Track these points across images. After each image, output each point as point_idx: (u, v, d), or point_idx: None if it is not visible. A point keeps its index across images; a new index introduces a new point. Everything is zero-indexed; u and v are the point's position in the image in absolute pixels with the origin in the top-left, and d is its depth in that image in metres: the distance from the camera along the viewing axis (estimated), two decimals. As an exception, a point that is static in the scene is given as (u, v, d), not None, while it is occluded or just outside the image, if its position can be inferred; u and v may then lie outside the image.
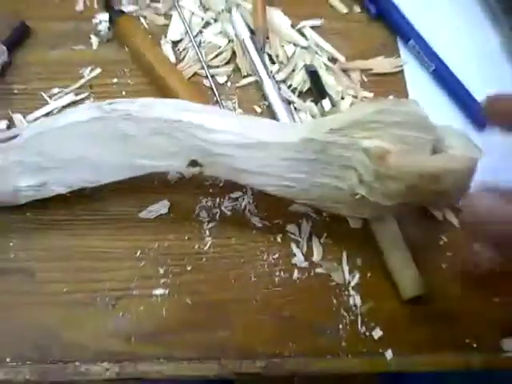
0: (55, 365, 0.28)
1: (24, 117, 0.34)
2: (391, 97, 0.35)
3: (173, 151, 0.27)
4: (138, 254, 0.31)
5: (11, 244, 0.30)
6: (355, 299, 0.30)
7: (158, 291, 0.30)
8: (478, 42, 0.37)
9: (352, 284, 0.30)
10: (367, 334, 0.29)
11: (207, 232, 0.31)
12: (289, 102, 0.34)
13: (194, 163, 0.28)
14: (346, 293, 0.30)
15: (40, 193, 0.29)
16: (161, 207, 0.31)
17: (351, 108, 0.29)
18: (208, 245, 0.31)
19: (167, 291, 0.30)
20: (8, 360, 0.28)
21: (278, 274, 0.30)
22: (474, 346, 0.29)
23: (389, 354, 0.29)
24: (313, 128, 0.27)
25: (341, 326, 0.29)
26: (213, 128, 0.27)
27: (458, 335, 0.29)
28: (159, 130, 0.27)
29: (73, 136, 0.28)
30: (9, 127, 0.34)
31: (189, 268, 0.30)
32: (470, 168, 0.25)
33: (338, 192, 0.27)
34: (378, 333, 0.29)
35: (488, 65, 0.36)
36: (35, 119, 0.34)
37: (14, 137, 0.29)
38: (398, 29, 0.37)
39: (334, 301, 0.30)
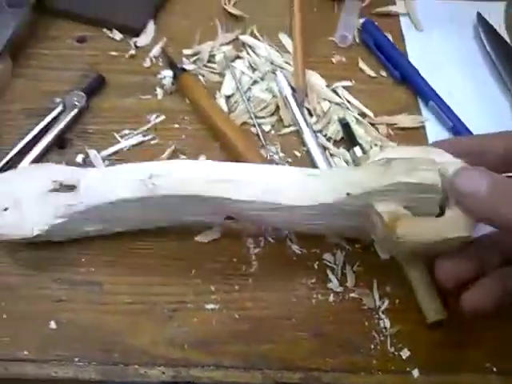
0: (117, 366, 0.32)
1: (98, 152, 0.40)
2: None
3: (211, 211, 0.33)
4: (193, 272, 0.35)
5: (83, 260, 0.35)
6: (385, 322, 0.33)
7: (210, 306, 0.34)
8: (489, 101, 0.43)
9: (382, 308, 0.34)
10: (396, 353, 0.32)
11: (253, 256, 0.36)
12: (324, 149, 0.40)
13: (229, 218, 0.33)
14: (377, 316, 0.34)
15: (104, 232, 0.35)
16: (214, 233, 0.36)
17: (374, 164, 0.30)
18: (254, 268, 0.35)
19: (217, 306, 0.34)
20: (76, 360, 0.32)
21: (315, 296, 0.34)
22: (494, 369, 0.32)
23: (415, 372, 0.32)
24: (332, 188, 0.30)
25: (372, 346, 0.33)
26: (239, 199, 0.30)
27: (478, 359, 0.32)
28: (196, 200, 0.31)
29: (124, 208, 0.32)
30: (84, 161, 0.39)
31: (236, 287, 0.34)
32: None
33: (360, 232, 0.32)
34: (405, 353, 0.32)
35: (499, 124, 0.42)
36: (108, 155, 0.39)
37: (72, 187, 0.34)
38: (420, 91, 0.43)
39: (366, 323, 0.33)
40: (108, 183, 0.33)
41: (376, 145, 0.40)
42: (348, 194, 0.29)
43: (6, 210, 0.33)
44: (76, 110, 0.41)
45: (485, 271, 0.29)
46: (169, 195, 0.31)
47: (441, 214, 0.29)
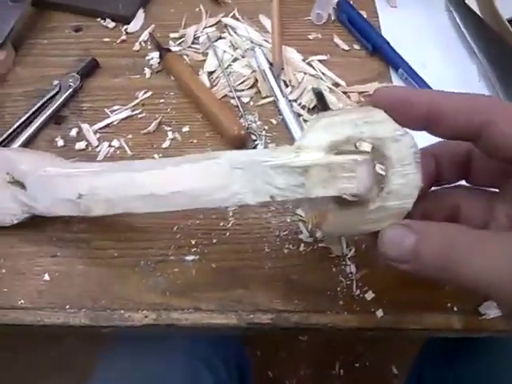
0: (104, 312, 0.35)
1: (90, 126, 0.43)
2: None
3: None
4: (175, 229, 0.38)
5: (75, 220, 0.38)
6: (351, 268, 0.36)
7: (190, 257, 0.36)
8: (458, 69, 0.45)
9: (349, 255, 0.36)
10: (361, 295, 0.35)
11: (230, 213, 0.38)
12: (299, 116, 0.42)
13: None
14: (344, 263, 0.36)
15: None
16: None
17: (293, 170, 0.26)
18: (231, 223, 0.38)
19: (197, 257, 0.36)
20: (67, 307, 0.35)
21: (287, 246, 0.37)
22: (455, 309, 0.34)
23: (379, 312, 0.34)
24: (255, 189, 0.27)
25: (338, 289, 0.35)
26: (166, 210, 0.30)
27: (440, 299, 0.34)
28: None
29: None
30: (78, 134, 0.43)
31: (214, 240, 0.37)
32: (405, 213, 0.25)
33: None
34: (370, 295, 0.35)
35: (467, 88, 0.43)
36: (99, 128, 0.43)
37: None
38: (390, 60, 0.45)
39: (334, 269, 0.36)
40: (48, 197, 0.34)
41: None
42: (271, 197, 0.27)
43: None
44: (70, 90, 0.45)
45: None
46: (104, 215, 0.32)
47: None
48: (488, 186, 0.27)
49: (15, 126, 0.43)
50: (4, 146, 0.42)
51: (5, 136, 0.42)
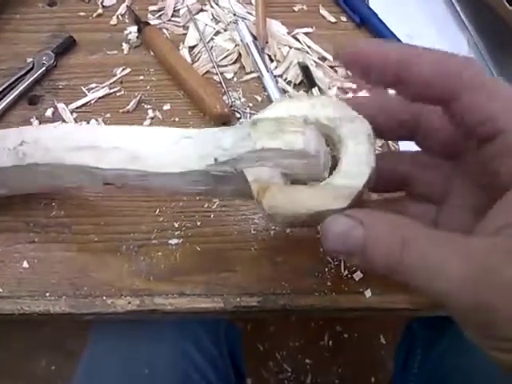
0: (86, 299, 0.34)
1: (67, 106, 0.41)
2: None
3: (88, 178, 0.30)
4: (158, 211, 0.36)
5: (53, 204, 0.37)
6: (339, 248, 0.35)
7: (173, 241, 0.35)
8: (448, 41, 0.44)
9: (337, 236, 0.35)
10: (349, 276, 0.34)
11: (215, 195, 0.37)
12: (284, 92, 0.41)
13: (108, 183, 0.30)
14: (332, 243, 0.35)
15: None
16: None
17: (244, 125, 0.26)
18: (215, 205, 0.37)
19: (180, 241, 0.35)
20: (47, 295, 0.34)
21: (273, 228, 0.36)
22: (443, 288, 0.34)
23: (368, 292, 0.33)
24: (202, 153, 0.27)
25: (326, 270, 0.34)
26: (102, 167, 0.28)
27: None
28: (66, 169, 0.30)
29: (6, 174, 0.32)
30: (53, 114, 0.41)
31: (199, 223, 0.36)
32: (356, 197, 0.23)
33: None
34: (358, 275, 0.34)
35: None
36: (76, 107, 0.41)
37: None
38: (377, 32, 0.43)
39: (321, 250, 0.35)
40: None
41: (334, 86, 0.41)
42: (215, 159, 0.26)
43: None
44: (43, 69, 0.43)
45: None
46: (37, 163, 0.30)
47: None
48: (441, 156, 0.26)
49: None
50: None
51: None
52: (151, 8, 0.47)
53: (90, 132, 0.29)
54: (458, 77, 0.21)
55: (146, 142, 0.28)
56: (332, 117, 0.25)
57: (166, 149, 0.28)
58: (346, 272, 0.34)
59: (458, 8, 0.45)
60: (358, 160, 0.24)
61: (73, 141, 0.29)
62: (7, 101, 0.41)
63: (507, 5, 0.40)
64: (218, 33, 0.45)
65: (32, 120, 0.41)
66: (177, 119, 0.40)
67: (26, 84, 0.42)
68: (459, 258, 0.19)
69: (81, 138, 0.29)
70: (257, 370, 0.99)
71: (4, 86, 0.42)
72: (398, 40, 0.42)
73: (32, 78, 0.42)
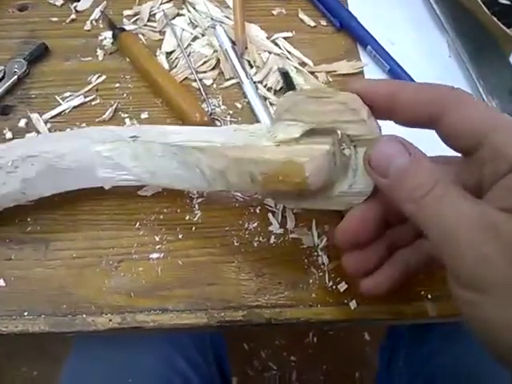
0: (65, 317, 0.33)
1: (40, 116, 0.40)
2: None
3: None
4: (137, 225, 0.36)
5: (28, 219, 0.36)
6: (323, 259, 0.34)
7: (154, 255, 0.35)
8: (428, 45, 0.44)
9: (320, 246, 0.35)
10: (334, 287, 0.34)
11: (196, 206, 0.36)
12: (265, 99, 0.40)
13: None
14: (316, 254, 0.35)
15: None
16: (156, 186, 0.37)
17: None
18: (197, 216, 0.36)
19: (162, 255, 0.35)
20: (25, 314, 0.33)
21: (256, 239, 0.35)
22: (429, 296, 0.34)
23: (353, 303, 0.33)
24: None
25: (311, 281, 0.34)
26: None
27: (413, 287, 0.34)
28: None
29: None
30: (27, 125, 0.40)
31: (180, 236, 0.35)
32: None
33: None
34: (343, 286, 0.34)
35: (437, 64, 0.42)
36: (51, 117, 0.40)
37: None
38: (358, 37, 0.43)
39: (305, 261, 0.34)
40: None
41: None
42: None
43: None
44: (15, 77, 0.41)
45: (396, 247, 0.29)
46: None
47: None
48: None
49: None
50: None
51: None
52: (126, 12, 0.46)
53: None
54: (439, 100, 0.23)
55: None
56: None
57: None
58: (331, 283, 0.34)
59: (438, 12, 0.45)
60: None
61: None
62: (-22, 112, 0.40)
63: (486, 9, 0.40)
64: (195, 38, 0.44)
65: (5, 131, 0.39)
66: (155, 128, 0.39)
67: (-3, 94, 0.41)
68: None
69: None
70: (242, 368, 0.99)
71: (-27, 97, 0.41)
72: (378, 44, 0.42)
73: (3, 88, 0.41)
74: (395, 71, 0.41)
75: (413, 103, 0.24)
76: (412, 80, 0.40)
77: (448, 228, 0.21)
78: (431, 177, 0.22)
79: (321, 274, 0.34)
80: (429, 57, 0.43)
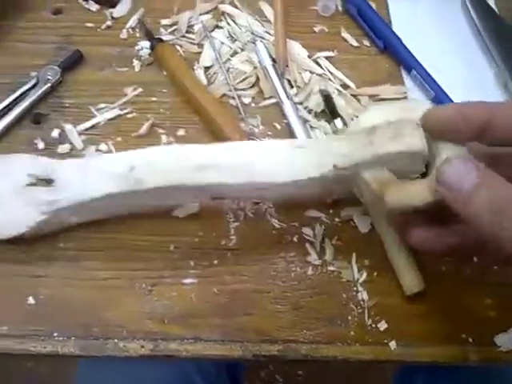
0: (97, 341, 0.32)
1: (74, 127, 0.39)
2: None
3: (196, 195, 0.33)
4: (172, 247, 0.35)
5: (60, 235, 0.35)
6: (363, 295, 0.33)
7: (188, 280, 0.34)
8: (474, 72, 0.43)
9: (360, 281, 0.34)
10: (373, 325, 0.33)
11: (232, 231, 0.35)
12: (305, 121, 0.39)
13: (216, 198, 0.34)
14: (355, 289, 0.34)
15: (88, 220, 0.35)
16: (192, 207, 0.36)
17: (359, 134, 0.30)
18: (233, 242, 0.35)
19: (196, 280, 0.34)
20: (55, 335, 0.32)
21: (294, 269, 0.34)
22: (470, 340, 0.33)
23: (393, 344, 0.32)
24: (319, 161, 0.30)
25: (350, 318, 0.33)
26: (225, 183, 0.30)
27: (454, 330, 0.33)
28: (182, 188, 0.31)
29: (107, 200, 0.32)
30: (60, 135, 0.39)
31: (215, 261, 0.34)
32: None
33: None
34: (383, 325, 0.32)
35: (482, 93, 0.41)
36: (85, 129, 0.39)
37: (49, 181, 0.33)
38: (402, 60, 0.42)
39: (344, 295, 0.33)
40: (88, 178, 0.32)
41: (357, 116, 0.39)
42: (334, 166, 0.29)
43: None
44: (48, 85, 0.40)
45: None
46: (153, 188, 0.30)
47: (425, 172, 0.30)
48: None
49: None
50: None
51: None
52: (163, 22, 0.45)
53: (204, 150, 0.31)
54: None
55: (261, 158, 0.30)
56: None
57: (281, 160, 0.30)
58: (370, 321, 0.33)
59: (488, 42, 0.43)
60: (453, 154, 0.27)
61: (189, 161, 0.30)
62: (10, 119, 0.39)
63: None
64: (234, 53, 0.43)
65: (36, 141, 0.38)
66: (192, 146, 0.38)
67: (30, 101, 0.40)
68: None
69: (197, 158, 0.30)
70: (249, 380, 0.98)
71: (6, 103, 0.39)
72: (423, 69, 0.41)
73: (37, 95, 0.40)
74: (441, 98, 0.40)
75: (507, 125, 0.25)
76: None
77: None
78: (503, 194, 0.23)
79: (360, 310, 0.33)
80: (474, 86, 0.42)
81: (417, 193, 0.28)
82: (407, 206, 0.28)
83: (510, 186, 0.23)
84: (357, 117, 0.39)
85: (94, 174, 0.31)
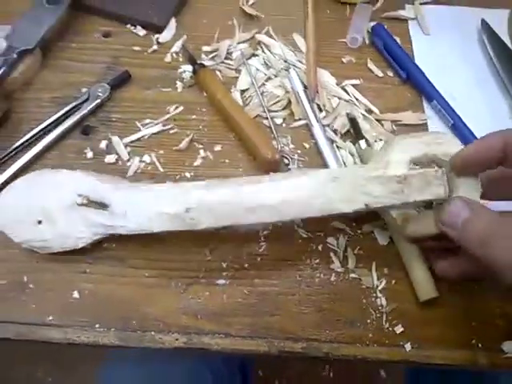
0: (135, 333, 0.35)
1: (121, 139, 0.43)
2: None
3: None
4: (207, 252, 0.38)
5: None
6: (381, 300, 0.36)
7: (221, 281, 0.37)
8: (489, 103, 0.46)
9: (379, 288, 0.37)
10: (390, 329, 0.35)
11: (262, 238, 0.38)
12: (332, 141, 0.43)
13: None
14: (374, 295, 0.36)
15: None
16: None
17: (392, 179, 0.33)
18: (262, 248, 0.38)
19: (228, 282, 0.37)
20: (97, 326, 0.35)
21: (318, 275, 0.37)
22: (479, 345, 0.35)
23: (408, 346, 0.34)
24: (351, 198, 0.33)
25: (368, 321, 0.35)
26: (273, 221, 0.35)
27: (465, 336, 0.35)
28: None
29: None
30: (107, 146, 0.43)
31: (246, 265, 0.37)
32: None
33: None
34: (399, 328, 0.35)
35: (497, 122, 0.44)
36: (130, 141, 0.43)
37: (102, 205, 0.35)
38: (423, 90, 0.45)
39: (364, 301, 0.36)
40: (145, 213, 0.34)
41: (381, 139, 0.43)
42: (366, 205, 0.33)
43: (39, 222, 0.35)
44: (98, 101, 0.45)
45: None
46: (206, 227, 0.34)
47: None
48: None
49: (34, 132, 0.42)
50: (23, 150, 0.42)
51: (26, 138, 0.42)
52: (205, 48, 0.49)
53: (248, 191, 0.34)
54: None
55: (302, 194, 0.34)
56: (448, 152, 0.32)
57: (317, 194, 0.33)
58: (387, 325, 0.35)
59: (500, 70, 0.47)
60: (470, 187, 0.32)
61: (239, 202, 0.34)
62: (62, 129, 0.43)
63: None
64: (269, 78, 0.47)
65: (86, 151, 0.42)
66: (227, 161, 0.42)
67: (80, 114, 0.44)
68: None
69: (245, 199, 0.34)
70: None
71: (59, 115, 0.44)
72: (443, 99, 0.44)
73: (87, 109, 0.44)
74: (459, 127, 0.43)
75: None
76: (474, 136, 0.42)
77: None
78: (488, 225, 0.28)
79: (378, 315, 0.36)
80: (489, 116, 0.45)
81: (429, 225, 0.33)
82: (422, 235, 0.33)
83: (495, 218, 0.29)
84: (380, 140, 0.43)
85: (152, 212, 0.34)
